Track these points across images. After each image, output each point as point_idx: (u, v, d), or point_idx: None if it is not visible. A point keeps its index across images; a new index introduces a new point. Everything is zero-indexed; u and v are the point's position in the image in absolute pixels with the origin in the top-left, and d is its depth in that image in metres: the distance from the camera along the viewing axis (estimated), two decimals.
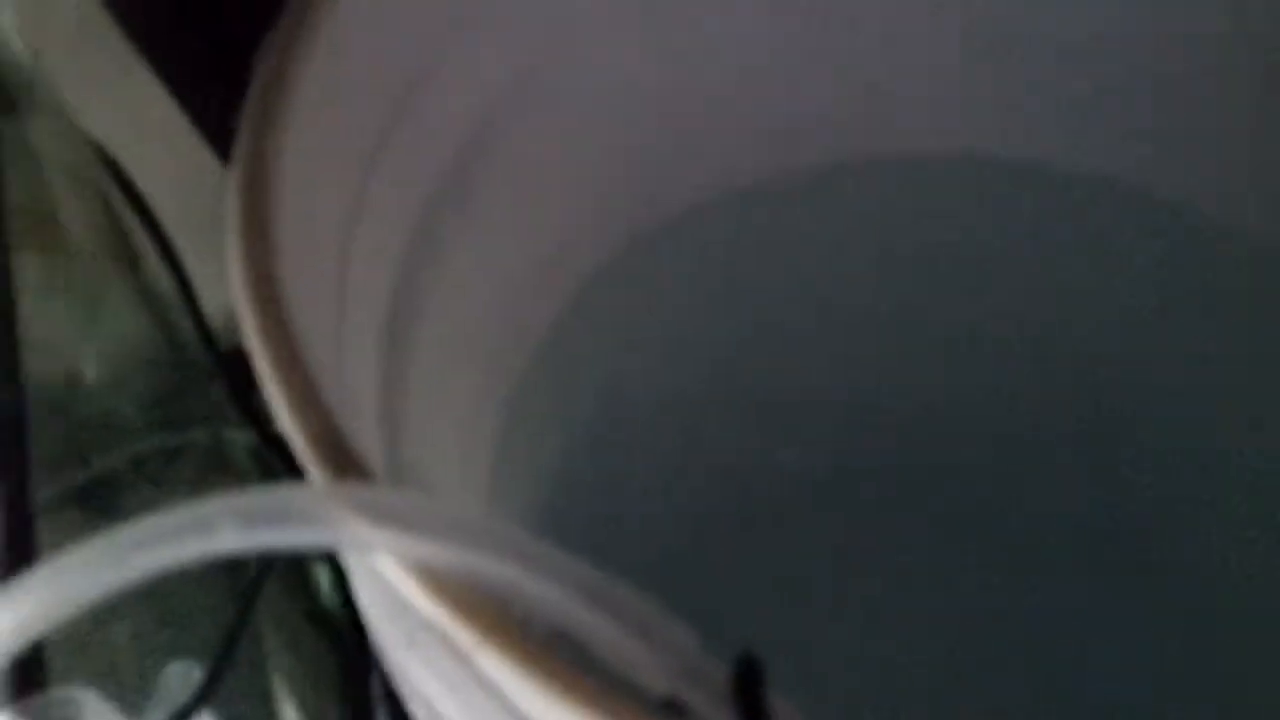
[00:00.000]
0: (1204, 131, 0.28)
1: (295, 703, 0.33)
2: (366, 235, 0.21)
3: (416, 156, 0.24)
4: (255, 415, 0.45)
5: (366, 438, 0.17)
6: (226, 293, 0.42)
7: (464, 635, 0.13)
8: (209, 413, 0.41)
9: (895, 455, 0.33)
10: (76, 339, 0.39)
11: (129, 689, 0.28)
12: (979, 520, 0.32)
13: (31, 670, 0.20)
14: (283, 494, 0.14)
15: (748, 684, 0.13)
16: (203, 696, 0.24)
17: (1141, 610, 0.30)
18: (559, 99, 0.27)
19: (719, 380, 0.32)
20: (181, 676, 0.28)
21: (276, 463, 0.46)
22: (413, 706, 0.18)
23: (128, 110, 0.40)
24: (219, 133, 0.41)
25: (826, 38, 0.29)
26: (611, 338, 0.31)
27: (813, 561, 0.30)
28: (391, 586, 0.14)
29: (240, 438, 0.44)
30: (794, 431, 0.32)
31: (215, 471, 0.41)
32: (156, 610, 0.30)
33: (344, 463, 0.15)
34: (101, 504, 0.33)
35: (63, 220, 0.36)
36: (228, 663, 0.26)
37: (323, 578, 0.38)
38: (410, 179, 0.23)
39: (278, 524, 0.14)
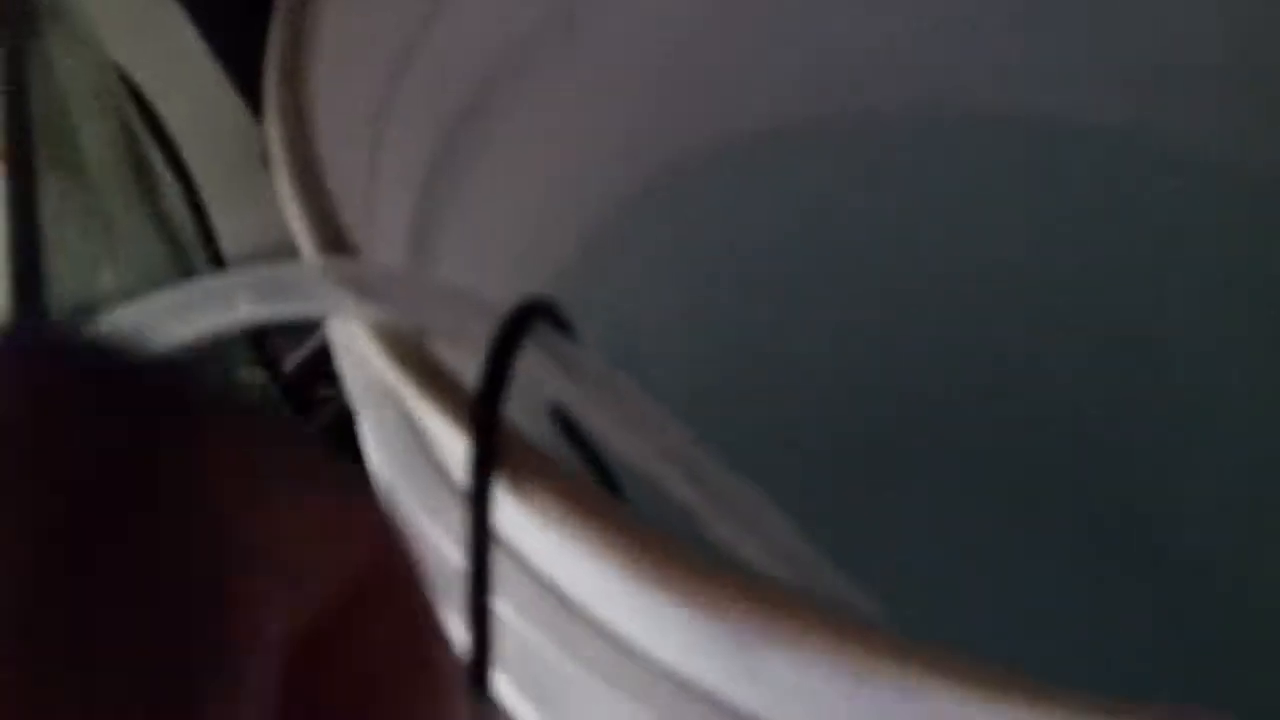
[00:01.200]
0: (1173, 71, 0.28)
1: None
2: (394, 138, 0.21)
3: (442, 70, 0.24)
4: (267, 355, 0.46)
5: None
6: (242, 224, 0.42)
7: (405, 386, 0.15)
8: (218, 352, 0.41)
9: (892, 422, 0.33)
10: (91, 264, 0.39)
11: None
12: (973, 476, 0.32)
13: None
14: (285, 270, 0.16)
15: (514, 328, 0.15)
16: None
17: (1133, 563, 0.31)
18: (587, 34, 0.27)
19: (724, 330, 0.32)
20: None
21: (285, 405, 0.47)
22: None
23: (152, 38, 0.40)
24: (241, 67, 0.42)
25: None
26: (617, 285, 0.31)
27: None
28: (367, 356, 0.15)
29: (250, 377, 0.44)
30: (792, 392, 0.32)
31: None
32: None
33: (337, 243, 0.16)
34: None
35: (82, 143, 0.37)
36: None
37: None
38: (436, 91, 0.24)
39: (280, 298, 0.16)
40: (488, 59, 0.25)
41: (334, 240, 0.16)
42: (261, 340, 0.46)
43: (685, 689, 0.15)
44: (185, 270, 0.39)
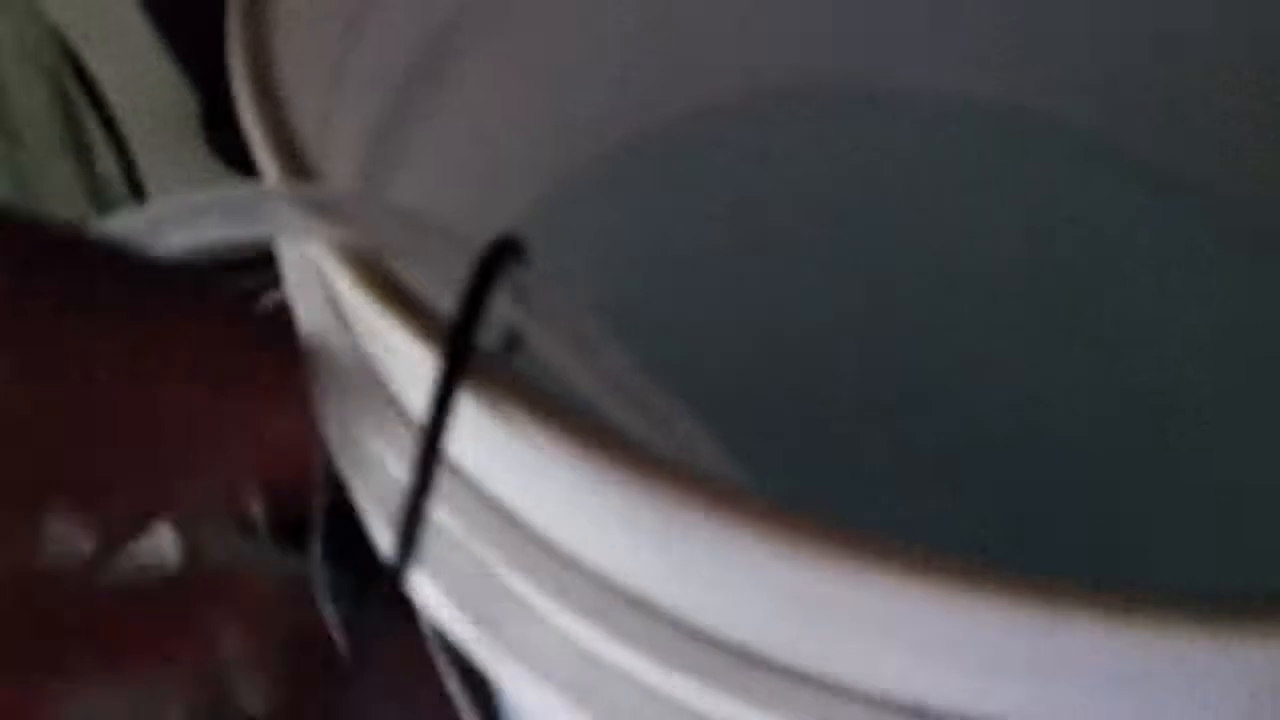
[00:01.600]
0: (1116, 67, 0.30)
1: None
2: (346, 94, 0.22)
3: (393, 31, 0.24)
4: None
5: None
6: (175, 189, 0.42)
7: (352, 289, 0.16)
8: None
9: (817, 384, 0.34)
10: None
11: None
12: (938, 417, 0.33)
13: None
14: (253, 191, 0.17)
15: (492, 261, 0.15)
16: None
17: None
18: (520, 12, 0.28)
19: (661, 307, 0.33)
20: None
21: None
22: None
23: (92, 3, 0.40)
24: (179, 35, 0.41)
25: None
26: (572, 251, 0.31)
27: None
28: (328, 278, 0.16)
29: None
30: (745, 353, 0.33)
31: None
32: None
33: (302, 169, 0.17)
34: None
35: (13, 102, 0.36)
36: None
37: None
38: (386, 51, 0.24)
39: (246, 219, 0.16)
40: (430, 30, 0.26)
41: (298, 166, 0.17)
42: None
43: (626, 598, 0.16)
44: None
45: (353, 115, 0.22)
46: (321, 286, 0.19)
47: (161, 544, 0.23)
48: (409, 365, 0.16)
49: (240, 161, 0.51)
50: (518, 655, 0.18)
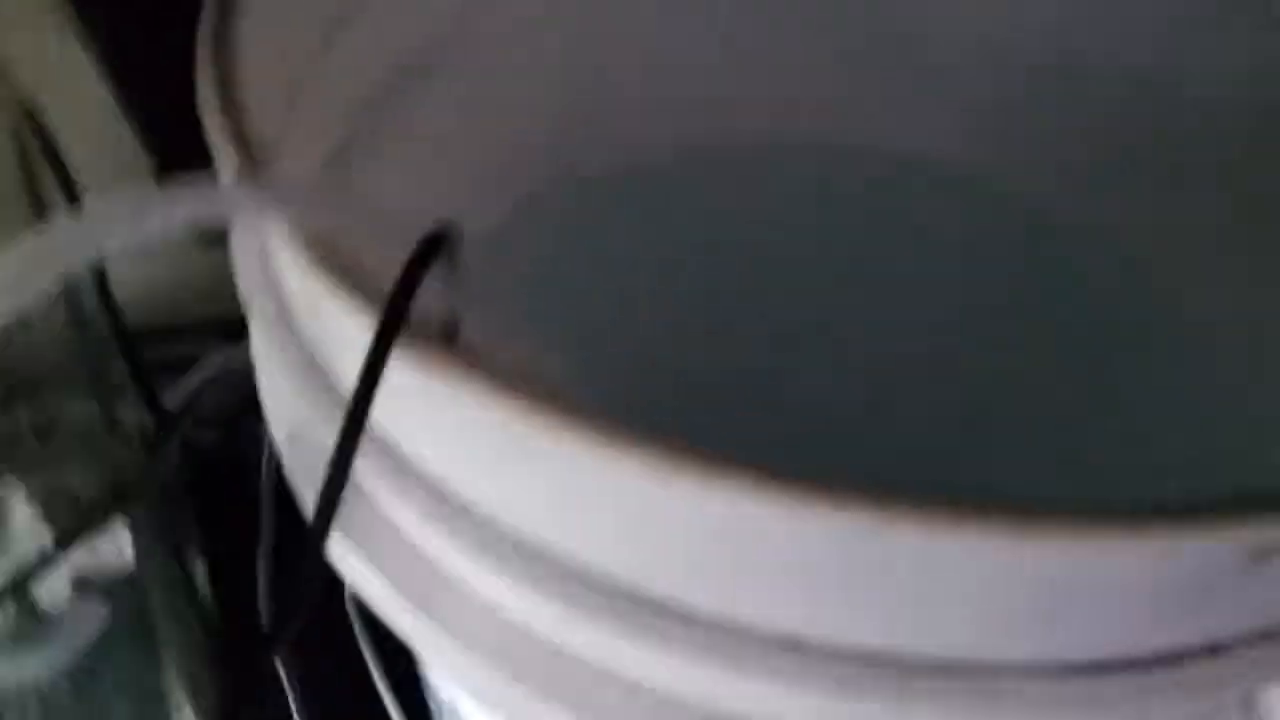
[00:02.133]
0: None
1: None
2: (303, 115, 0.23)
3: (350, 65, 0.26)
4: (148, 392, 0.46)
5: None
6: (132, 268, 0.43)
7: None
8: (101, 389, 0.42)
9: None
10: None
11: None
12: None
13: None
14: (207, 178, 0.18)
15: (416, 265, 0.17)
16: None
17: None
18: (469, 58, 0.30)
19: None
20: None
21: (166, 443, 0.47)
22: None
23: (52, 63, 0.41)
24: (139, 104, 0.43)
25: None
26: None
27: None
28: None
29: (129, 416, 0.45)
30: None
31: (94, 447, 0.41)
32: None
33: (252, 160, 0.18)
34: None
35: None
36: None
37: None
38: (342, 81, 0.26)
39: (203, 201, 0.17)
40: (387, 66, 0.27)
41: (254, 161, 0.18)
42: (143, 377, 0.46)
43: (554, 562, 0.17)
44: (70, 304, 0.40)
45: (309, 134, 0.24)
46: (264, 272, 0.20)
47: (121, 545, 0.24)
48: (344, 335, 0.18)
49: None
50: (443, 625, 0.19)
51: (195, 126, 0.19)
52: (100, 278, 0.41)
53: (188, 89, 0.20)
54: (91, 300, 0.41)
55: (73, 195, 0.40)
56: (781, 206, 0.34)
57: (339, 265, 0.17)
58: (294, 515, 0.21)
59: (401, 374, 0.16)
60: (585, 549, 0.17)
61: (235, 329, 0.51)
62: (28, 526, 0.23)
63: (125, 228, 0.18)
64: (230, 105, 0.19)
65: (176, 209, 0.18)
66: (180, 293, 0.50)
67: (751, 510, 0.14)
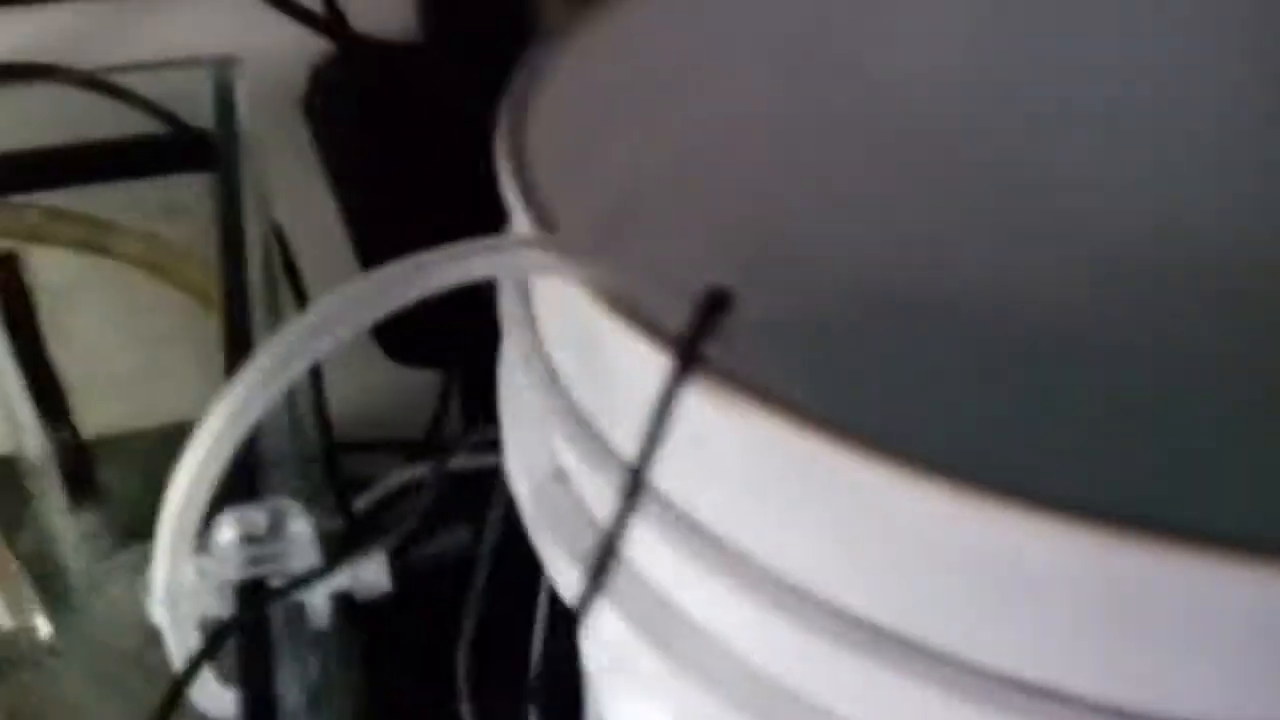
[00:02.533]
0: None
1: None
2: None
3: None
4: (340, 498, 0.48)
5: None
6: (346, 385, 0.46)
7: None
8: (295, 491, 0.44)
9: None
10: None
11: None
12: None
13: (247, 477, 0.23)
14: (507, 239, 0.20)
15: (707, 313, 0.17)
16: None
17: None
18: None
19: None
20: None
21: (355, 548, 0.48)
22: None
23: (302, 195, 0.45)
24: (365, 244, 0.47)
25: None
26: None
27: None
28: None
29: (321, 523, 0.47)
30: None
31: None
32: None
33: (545, 219, 0.20)
34: None
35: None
36: None
37: None
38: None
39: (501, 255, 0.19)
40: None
41: (545, 220, 0.20)
42: (340, 483, 0.48)
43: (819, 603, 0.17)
44: (289, 409, 0.43)
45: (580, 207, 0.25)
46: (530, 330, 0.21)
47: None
48: (632, 379, 0.18)
49: (398, 353, 0.54)
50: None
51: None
52: (316, 379, 0.44)
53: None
54: (306, 399, 0.44)
55: (299, 291, 0.43)
56: None
57: (634, 313, 0.18)
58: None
59: (697, 408, 0.17)
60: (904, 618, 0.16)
61: (410, 449, 0.53)
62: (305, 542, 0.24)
63: (440, 275, 0.19)
64: (523, 179, 0.21)
65: (482, 268, 0.19)
66: (360, 413, 0.52)
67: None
